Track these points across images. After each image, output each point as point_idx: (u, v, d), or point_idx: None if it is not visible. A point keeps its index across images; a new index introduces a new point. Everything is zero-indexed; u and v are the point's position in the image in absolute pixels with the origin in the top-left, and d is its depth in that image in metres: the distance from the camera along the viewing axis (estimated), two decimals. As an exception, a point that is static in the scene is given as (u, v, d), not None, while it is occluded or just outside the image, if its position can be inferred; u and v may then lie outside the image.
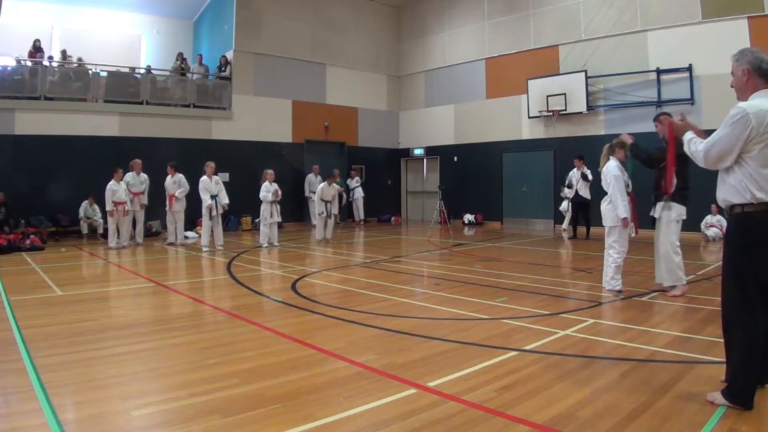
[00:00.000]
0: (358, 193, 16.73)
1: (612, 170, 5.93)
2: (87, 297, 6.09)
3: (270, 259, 9.37)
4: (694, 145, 3.12)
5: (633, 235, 6.13)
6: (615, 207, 5.86)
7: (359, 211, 16.71)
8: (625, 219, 5.80)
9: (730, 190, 2.95)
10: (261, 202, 10.80)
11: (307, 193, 15.65)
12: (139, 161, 11.29)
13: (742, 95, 3.01)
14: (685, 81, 11.89)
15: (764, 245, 2.85)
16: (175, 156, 12.26)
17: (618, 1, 12.89)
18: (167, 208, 11.34)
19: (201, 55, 15.67)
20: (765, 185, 2.83)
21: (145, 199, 11.31)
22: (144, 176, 11.33)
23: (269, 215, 10.80)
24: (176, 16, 16.69)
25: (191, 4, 16.38)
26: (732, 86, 3.09)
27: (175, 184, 11.22)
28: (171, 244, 11.31)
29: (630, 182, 6.12)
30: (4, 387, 3.31)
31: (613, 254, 5.93)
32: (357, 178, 16.90)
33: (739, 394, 2.83)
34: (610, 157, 6.08)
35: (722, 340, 2.98)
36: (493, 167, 15.60)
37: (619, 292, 5.90)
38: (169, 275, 8.05)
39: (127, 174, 11.06)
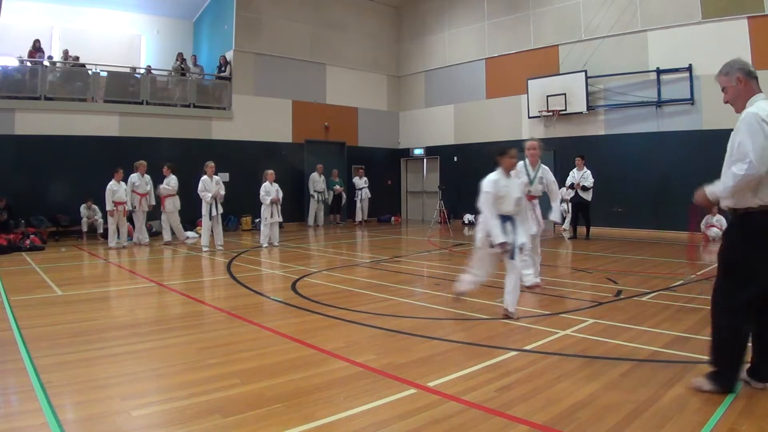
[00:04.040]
0: (365, 194, 16.54)
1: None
2: (87, 297, 6.09)
3: (270, 259, 9.37)
4: (725, 181, 2.98)
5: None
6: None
7: (363, 212, 16.58)
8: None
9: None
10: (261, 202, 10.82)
11: (311, 192, 15.66)
12: (144, 162, 11.26)
13: (741, 103, 3.03)
14: (685, 81, 11.88)
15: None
16: (175, 156, 12.28)
17: (618, 1, 12.89)
18: (161, 208, 11.44)
19: (195, 55, 15.71)
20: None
21: (152, 200, 11.34)
22: (148, 177, 11.34)
23: (269, 215, 10.81)
24: (176, 16, 16.68)
25: (191, 4, 16.37)
26: (726, 101, 3.13)
27: (168, 185, 11.32)
28: (167, 243, 11.32)
29: (531, 185, 6.12)
30: (4, 387, 3.31)
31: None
32: (365, 178, 16.68)
33: (724, 381, 2.98)
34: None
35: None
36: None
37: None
38: (169, 275, 8.05)
39: (132, 175, 11.08)
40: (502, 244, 4.66)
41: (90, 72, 13.29)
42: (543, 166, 6.42)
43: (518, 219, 4.83)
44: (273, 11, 15.74)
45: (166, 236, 11.49)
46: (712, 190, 3.15)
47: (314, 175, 15.64)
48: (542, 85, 14.20)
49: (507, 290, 4.89)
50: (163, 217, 11.50)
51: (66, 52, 13.56)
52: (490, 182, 4.87)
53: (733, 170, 2.91)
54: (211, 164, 10.39)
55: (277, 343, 4.25)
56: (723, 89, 3.13)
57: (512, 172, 5.14)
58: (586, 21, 13.53)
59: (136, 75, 14.11)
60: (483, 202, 4.86)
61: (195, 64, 15.41)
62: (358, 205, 16.54)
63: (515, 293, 4.88)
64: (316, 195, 15.66)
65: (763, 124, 2.82)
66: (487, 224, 4.82)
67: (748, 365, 3.15)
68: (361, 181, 16.55)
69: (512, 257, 4.76)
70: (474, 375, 3.44)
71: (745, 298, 2.98)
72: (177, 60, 15.00)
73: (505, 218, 4.79)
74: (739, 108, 3.03)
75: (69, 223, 12.08)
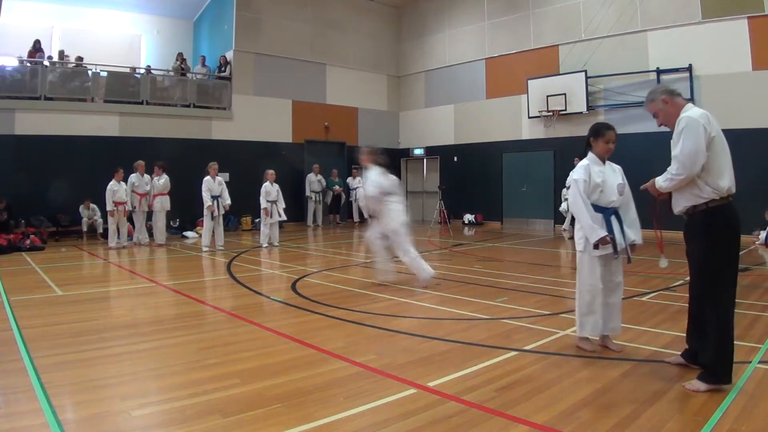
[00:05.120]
0: (360, 194, 16.63)
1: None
2: (87, 297, 6.09)
3: (270, 259, 9.37)
4: (666, 174, 3.25)
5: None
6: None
7: (360, 212, 16.63)
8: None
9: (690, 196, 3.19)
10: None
11: (307, 193, 15.65)
12: (143, 162, 11.25)
13: (674, 120, 3.25)
14: (685, 81, 11.87)
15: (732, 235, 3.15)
16: (175, 156, 12.28)
17: (618, 1, 12.89)
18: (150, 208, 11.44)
19: (204, 56, 15.68)
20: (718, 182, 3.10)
21: (150, 200, 11.33)
22: (147, 177, 11.35)
23: (269, 215, 10.82)
24: (176, 16, 16.68)
25: (191, 4, 16.37)
26: (660, 124, 3.37)
27: (161, 184, 11.33)
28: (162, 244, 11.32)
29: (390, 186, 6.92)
30: (4, 387, 3.31)
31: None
32: (359, 178, 16.79)
33: (722, 375, 3.02)
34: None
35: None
36: (493, 167, 15.59)
37: None
38: (170, 275, 8.05)
39: (132, 175, 11.08)
40: (603, 239, 3.72)
41: (90, 72, 13.29)
42: (369, 170, 7.05)
43: (622, 212, 3.94)
44: (273, 11, 15.73)
45: (159, 237, 11.46)
46: (660, 183, 3.33)
47: (310, 176, 15.64)
48: (542, 85, 14.20)
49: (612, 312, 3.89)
50: (154, 217, 11.49)
51: (61, 53, 13.55)
52: (581, 168, 3.90)
53: (670, 171, 3.19)
54: (214, 165, 10.41)
55: (277, 343, 4.25)
56: (654, 115, 3.38)
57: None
58: (586, 21, 13.53)
59: (136, 75, 14.11)
60: (574, 193, 3.82)
61: (203, 65, 15.38)
62: (354, 205, 16.59)
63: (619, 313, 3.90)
64: (312, 196, 15.66)
65: (699, 126, 3.07)
66: (580, 218, 3.82)
67: (686, 349, 3.42)
68: (355, 182, 16.58)
69: (629, 261, 3.91)
70: (474, 375, 3.44)
71: (732, 291, 3.12)
72: (177, 60, 15.00)
73: (608, 211, 3.82)
74: (673, 125, 3.25)
75: (69, 223, 12.07)
